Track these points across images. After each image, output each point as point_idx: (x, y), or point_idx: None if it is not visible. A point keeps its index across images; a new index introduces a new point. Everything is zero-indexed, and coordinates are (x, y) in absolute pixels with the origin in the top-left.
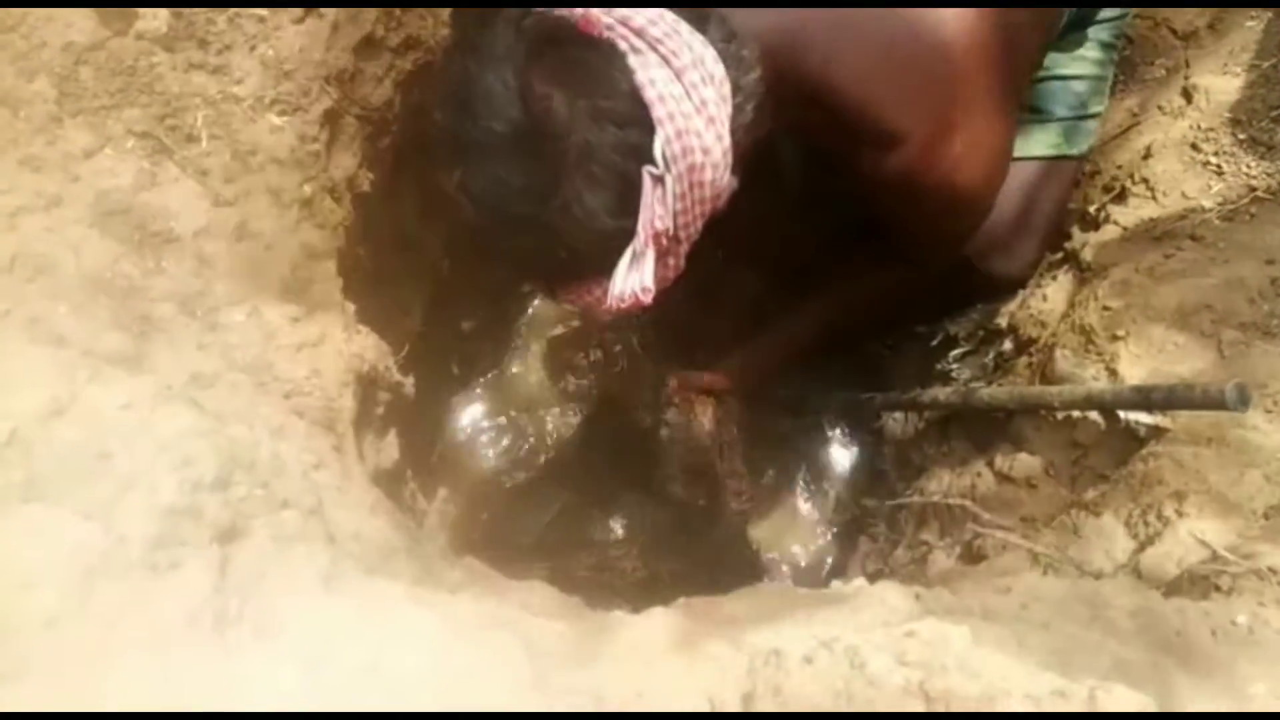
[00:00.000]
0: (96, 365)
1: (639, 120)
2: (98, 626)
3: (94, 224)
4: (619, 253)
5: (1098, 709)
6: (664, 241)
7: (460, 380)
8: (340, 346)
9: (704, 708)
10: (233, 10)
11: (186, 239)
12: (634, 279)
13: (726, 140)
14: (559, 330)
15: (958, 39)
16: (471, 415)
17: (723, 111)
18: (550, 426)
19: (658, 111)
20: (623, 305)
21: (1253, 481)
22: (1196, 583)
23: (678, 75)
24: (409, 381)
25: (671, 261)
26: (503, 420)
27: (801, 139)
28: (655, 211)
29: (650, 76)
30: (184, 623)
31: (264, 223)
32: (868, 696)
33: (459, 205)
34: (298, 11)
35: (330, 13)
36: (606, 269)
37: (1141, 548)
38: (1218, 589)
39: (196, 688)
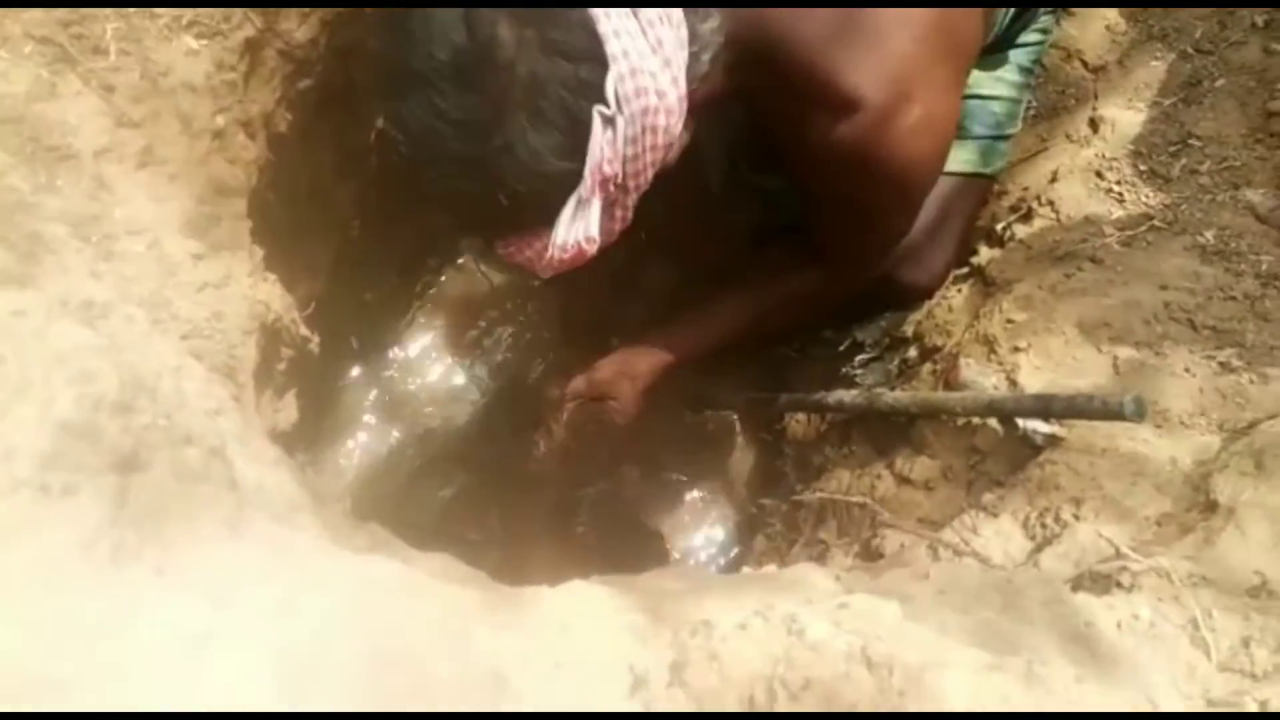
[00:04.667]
0: None
1: (591, 55)
2: None
3: None
4: (563, 200)
5: (1036, 680)
6: (611, 189)
7: (360, 354)
8: (245, 291)
9: (626, 677)
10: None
11: (85, 157)
12: (578, 228)
13: (682, 86)
14: (462, 306)
15: (925, 16)
16: (370, 389)
17: (679, 56)
18: (451, 405)
19: (611, 47)
20: (564, 258)
21: (1144, 490)
22: (1098, 580)
23: (633, 11)
24: (315, 340)
25: (619, 213)
26: (402, 395)
27: (747, 108)
28: (604, 154)
29: (605, 11)
30: (77, 552)
31: (171, 150)
32: (808, 660)
33: (392, 142)
34: None
35: None
36: (549, 218)
37: (1039, 548)
38: (1119, 585)
39: (92, 621)
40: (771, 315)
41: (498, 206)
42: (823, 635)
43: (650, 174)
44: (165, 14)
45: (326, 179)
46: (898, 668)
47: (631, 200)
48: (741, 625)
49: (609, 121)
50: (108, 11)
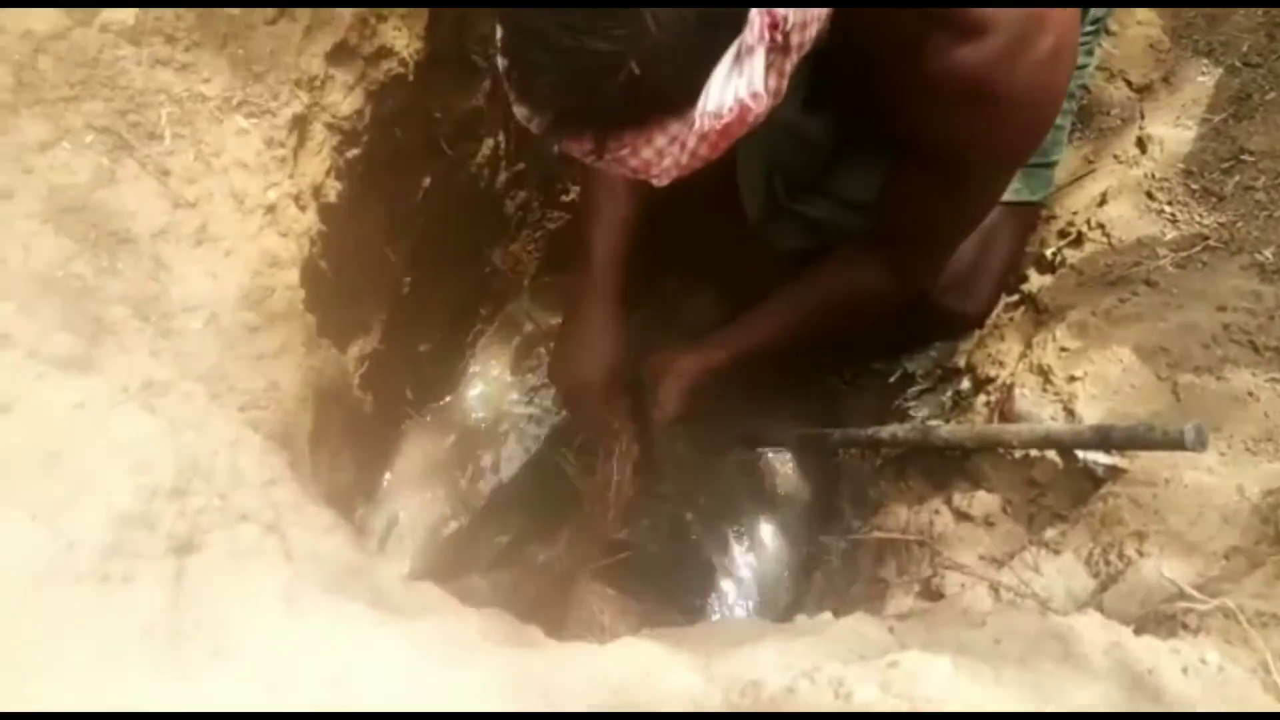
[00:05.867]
0: (44, 367)
1: None
2: (43, 639)
3: (47, 220)
4: (714, 58)
5: None
6: (778, 38)
7: (414, 404)
8: (299, 359)
9: None
10: (202, 8)
11: (143, 240)
12: (739, 83)
13: None
14: (514, 352)
15: None
16: (425, 439)
17: None
18: (505, 451)
19: None
20: (715, 128)
21: (1211, 522)
22: (1163, 622)
23: None
24: (367, 399)
25: (773, 82)
26: (457, 444)
27: (845, 46)
28: None
29: None
30: (137, 638)
31: (225, 226)
32: None
33: (505, 21)
34: (270, 12)
35: (303, 15)
36: (690, 90)
37: (1103, 586)
38: (1185, 627)
39: (150, 705)
40: (827, 316)
41: (629, 79)
42: (870, 699)
43: (814, 30)
44: (216, 96)
45: (377, 241)
46: None
47: (790, 65)
48: (789, 689)
49: None
50: (162, 97)
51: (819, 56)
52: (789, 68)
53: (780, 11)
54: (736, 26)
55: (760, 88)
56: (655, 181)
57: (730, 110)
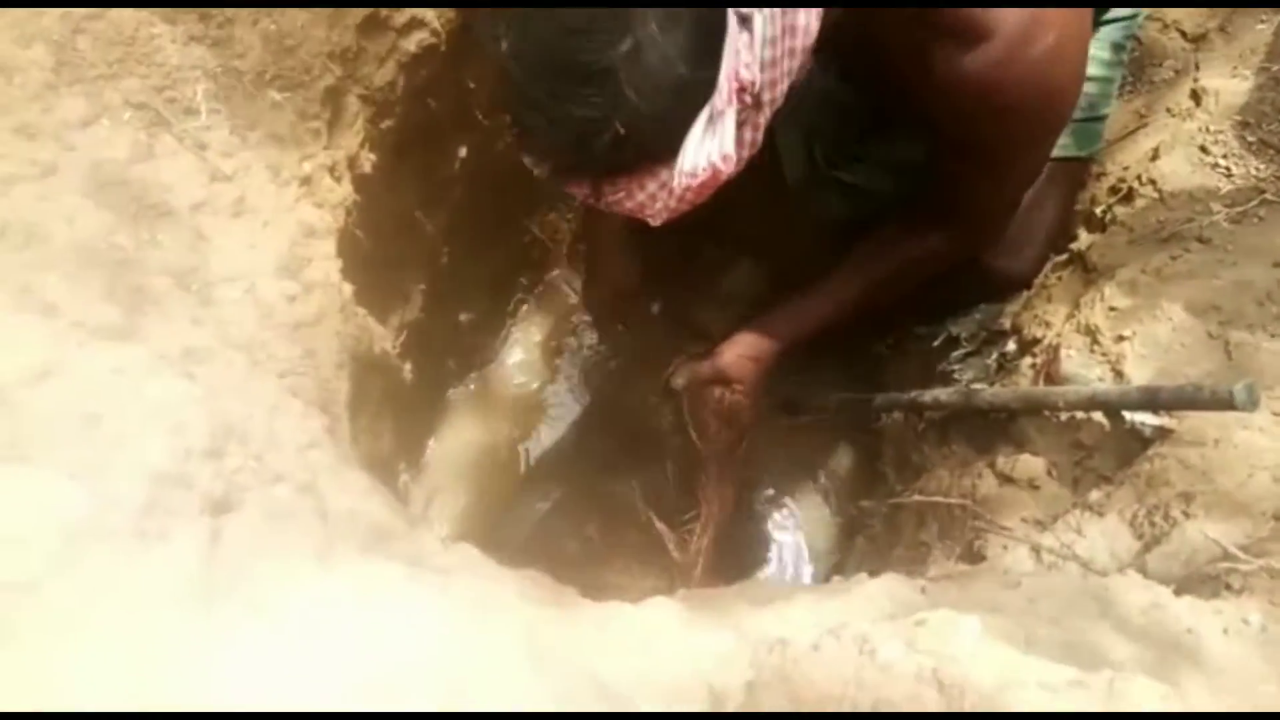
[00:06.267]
0: (86, 335)
1: None
2: (82, 592)
3: (88, 194)
4: (688, 122)
5: (1117, 700)
6: (747, 99)
7: (455, 374)
8: (337, 327)
9: (705, 696)
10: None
11: (183, 213)
12: (711, 146)
13: None
14: (555, 322)
15: None
16: (468, 408)
17: None
18: (546, 420)
19: None
20: (692, 185)
21: (1261, 483)
22: (1206, 582)
23: None
24: (406, 368)
25: (749, 134)
26: (499, 412)
27: (860, 47)
28: (741, 59)
29: None
30: (172, 594)
31: (262, 199)
32: (878, 683)
33: (506, 67)
34: None
35: None
36: (673, 144)
37: (1147, 548)
38: (1228, 588)
39: (184, 661)
40: (885, 290)
41: (614, 138)
42: (894, 656)
43: (785, 86)
44: (250, 70)
45: (413, 212)
46: (970, 689)
47: (764, 118)
48: (815, 646)
49: (745, 22)
50: (197, 73)
51: (839, 55)
52: (763, 120)
53: (746, 76)
54: (706, 93)
55: (730, 150)
56: (651, 221)
57: (704, 170)
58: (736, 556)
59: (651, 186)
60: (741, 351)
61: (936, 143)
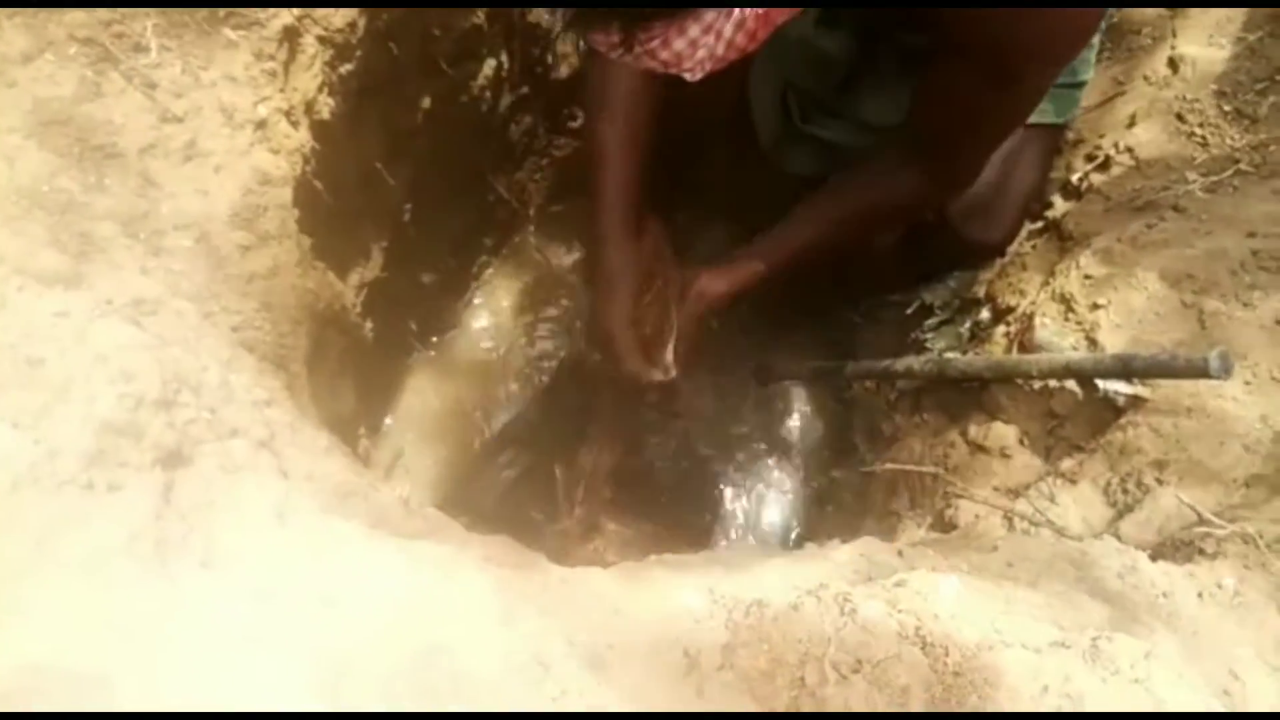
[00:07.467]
0: (28, 280)
1: None
2: (25, 543)
3: (31, 134)
4: None
5: (1101, 658)
6: None
7: (419, 336)
8: (294, 280)
9: (679, 658)
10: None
11: (131, 155)
12: None
13: None
14: (521, 286)
15: None
16: (431, 372)
17: None
18: (513, 385)
19: None
20: (745, 23)
21: (1232, 451)
22: (1180, 548)
23: None
24: (367, 326)
25: None
26: (464, 377)
27: None
28: None
29: None
30: (122, 546)
31: (215, 142)
32: (861, 642)
33: None
34: None
35: None
36: None
37: (1120, 515)
38: (1202, 553)
39: (135, 613)
40: (860, 226)
41: None
42: (876, 615)
43: None
44: (204, 10)
45: (374, 164)
46: (953, 647)
47: None
48: (794, 605)
49: None
50: (149, 10)
51: None
52: None
53: None
54: None
55: None
56: (688, 76)
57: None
58: (702, 524)
59: (694, 30)
60: (715, 276)
61: (940, 48)
